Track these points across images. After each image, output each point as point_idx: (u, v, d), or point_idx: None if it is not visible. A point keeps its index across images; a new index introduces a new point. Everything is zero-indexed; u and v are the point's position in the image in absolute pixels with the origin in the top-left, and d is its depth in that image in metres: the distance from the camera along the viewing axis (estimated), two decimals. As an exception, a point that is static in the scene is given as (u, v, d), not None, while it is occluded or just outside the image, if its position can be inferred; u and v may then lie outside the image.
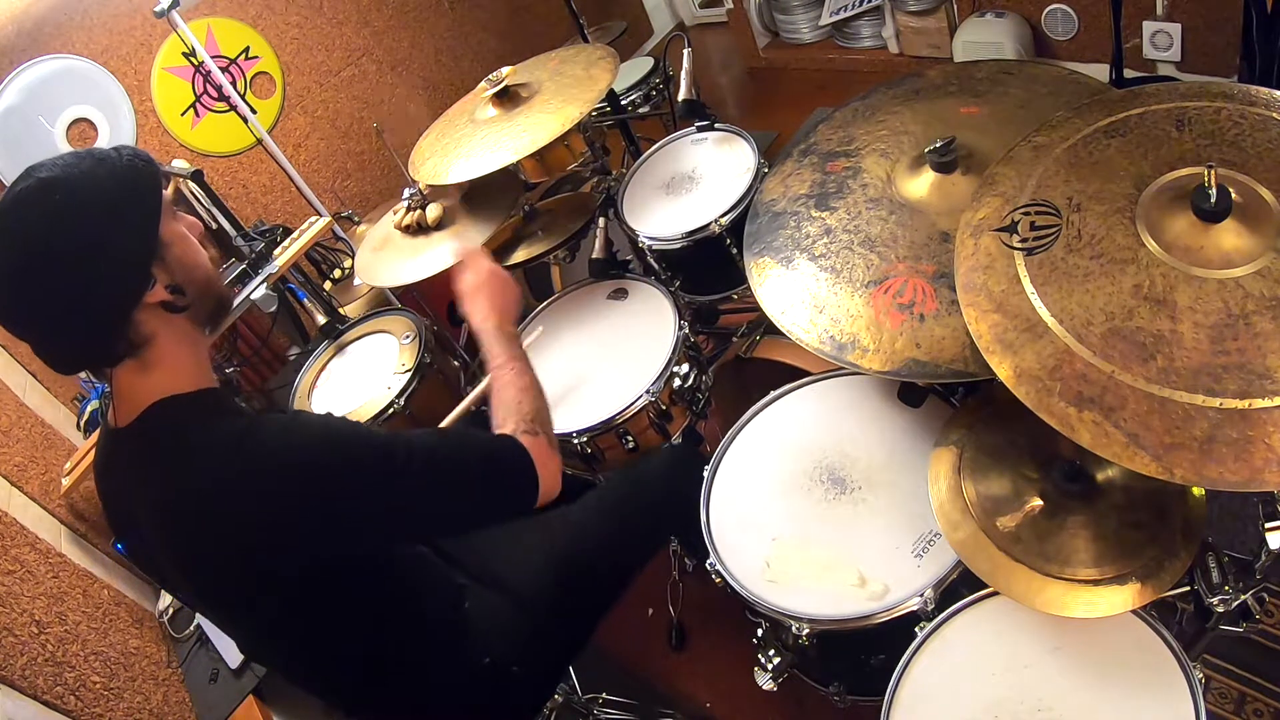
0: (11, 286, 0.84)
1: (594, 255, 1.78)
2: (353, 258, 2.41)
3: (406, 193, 1.82)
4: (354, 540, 0.92)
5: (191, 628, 1.72)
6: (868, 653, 1.19)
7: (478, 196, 1.81)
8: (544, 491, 1.05)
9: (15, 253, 0.83)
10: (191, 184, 1.96)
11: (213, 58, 2.63)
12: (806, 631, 1.11)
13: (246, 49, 2.86)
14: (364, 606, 0.99)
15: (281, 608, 0.95)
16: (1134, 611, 0.95)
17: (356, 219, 2.76)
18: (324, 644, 1.03)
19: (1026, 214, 0.97)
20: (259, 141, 2.63)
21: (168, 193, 0.93)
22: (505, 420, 1.10)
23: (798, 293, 1.22)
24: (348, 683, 1.09)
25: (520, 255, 1.92)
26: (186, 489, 0.89)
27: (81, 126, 2.52)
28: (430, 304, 2.37)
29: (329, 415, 0.97)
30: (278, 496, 0.87)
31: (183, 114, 2.74)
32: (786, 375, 1.45)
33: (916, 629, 1.06)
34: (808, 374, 1.43)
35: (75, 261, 0.83)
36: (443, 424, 1.47)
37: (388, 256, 1.82)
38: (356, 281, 2.44)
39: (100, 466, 1.03)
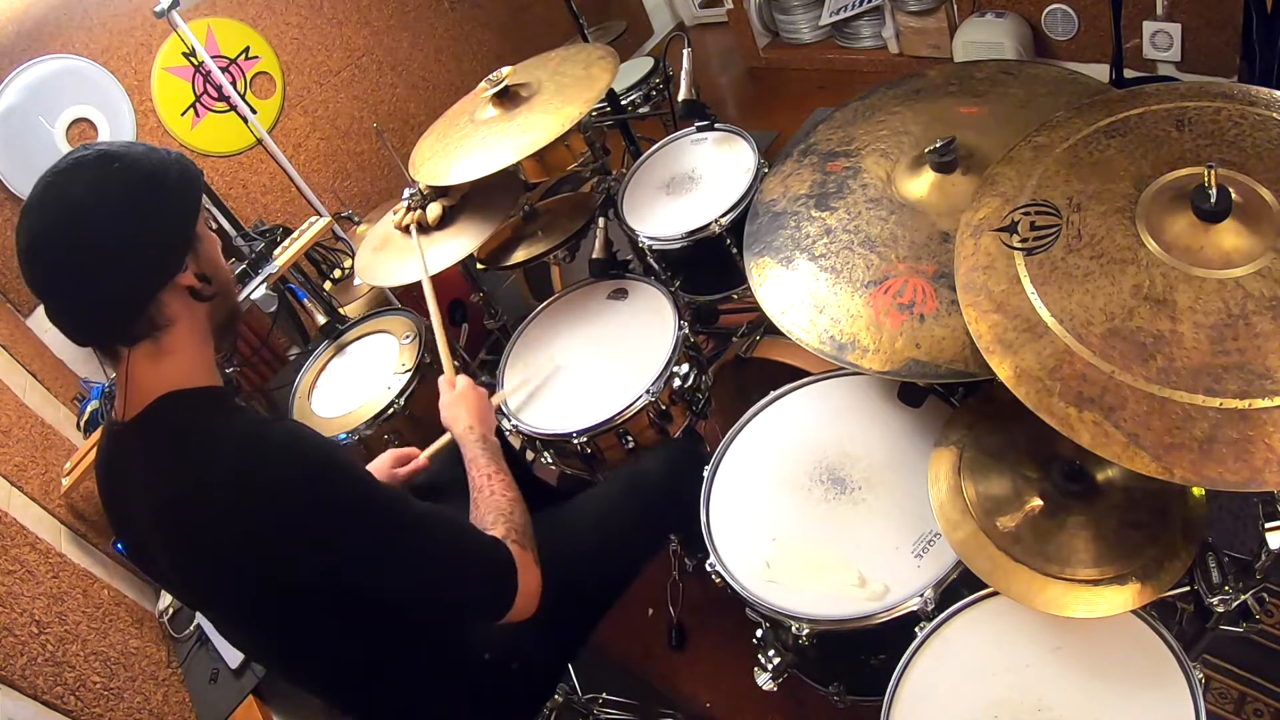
0: (57, 242, 0.87)
1: (594, 255, 1.78)
2: (353, 258, 2.41)
3: (406, 193, 1.82)
4: (333, 571, 0.91)
5: (191, 628, 1.72)
6: (868, 653, 1.19)
7: (478, 196, 1.81)
8: (518, 608, 1.03)
9: (70, 207, 0.86)
10: (191, 184, 1.96)
11: (213, 58, 2.64)
12: (806, 631, 1.11)
13: (246, 49, 2.86)
14: (363, 607, 0.99)
15: (277, 611, 0.95)
16: (1134, 611, 0.95)
17: (356, 219, 2.77)
18: (322, 645, 1.02)
19: (1026, 214, 0.97)
20: (259, 141, 2.64)
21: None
22: (496, 524, 1.09)
23: (798, 293, 1.22)
24: (346, 682, 1.09)
25: (520, 255, 1.92)
26: (187, 488, 0.89)
27: (81, 126, 2.52)
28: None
29: (336, 444, 0.98)
30: (278, 506, 0.87)
31: (183, 114, 2.75)
32: (786, 375, 1.45)
33: (916, 629, 1.06)
34: (808, 374, 1.43)
35: (121, 228, 0.87)
36: (439, 442, 1.47)
37: (388, 256, 1.82)
38: (356, 281, 2.44)
39: (101, 463, 1.03)
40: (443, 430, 1.40)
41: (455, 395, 1.36)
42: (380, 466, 1.41)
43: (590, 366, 1.63)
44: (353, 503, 0.92)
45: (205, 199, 1.96)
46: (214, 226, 2.02)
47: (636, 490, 1.43)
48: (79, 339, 0.93)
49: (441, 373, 1.44)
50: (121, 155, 0.90)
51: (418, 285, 1.66)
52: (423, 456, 1.43)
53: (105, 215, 0.87)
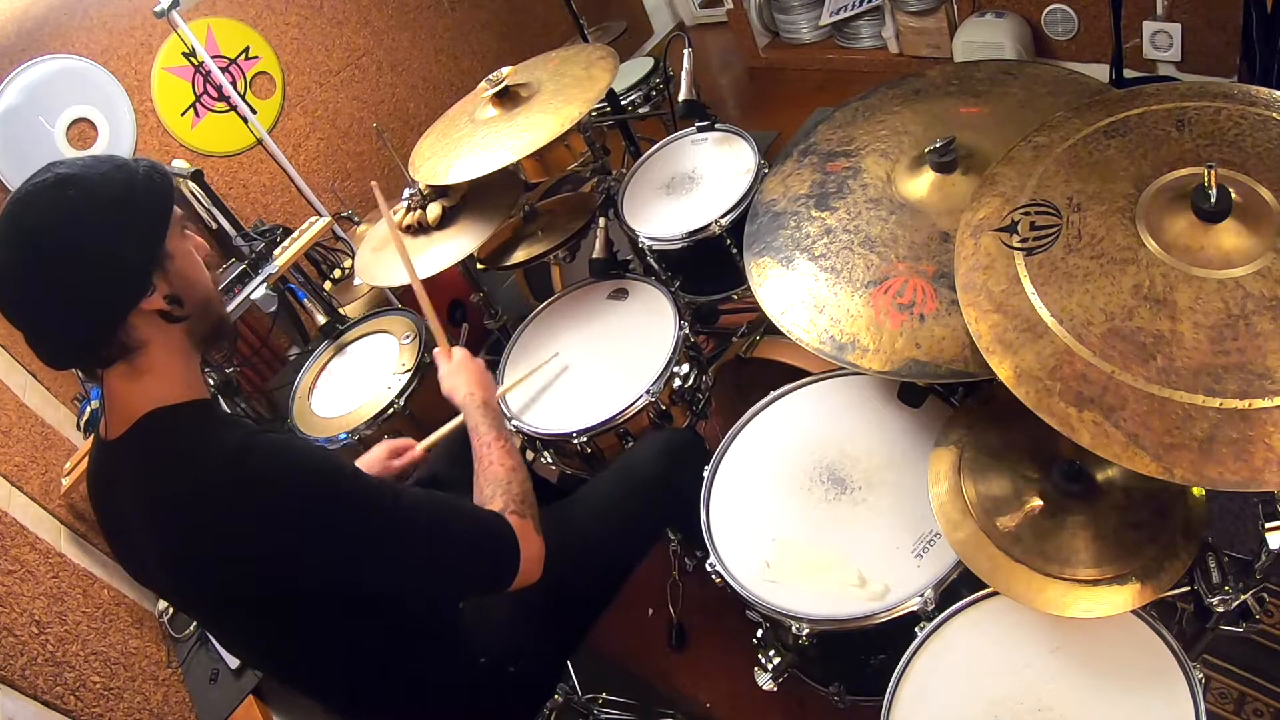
0: (15, 274, 0.86)
1: (594, 255, 1.78)
2: (353, 258, 2.41)
3: (406, 193, 1.82)
4: (330, 572, 0.92)
5: (191, 628, 1.72)
6: (868, 653, 1.19)
7: (478, 196, 1.81)
8: (522, 574, 1.04)
9: (23, 242, 0.85)
10: (191, 184, 1.96)
11: (213, 58, 2.64)
12: (806, 631, 1.11)
13: (246, 49, 2.86)
14: (357, 611, 0.99)
15: (275, 616, 0.95)
16: (1134, 611, 0.95)
17: (356, 219, 2.77)
18: (318, 650, 1.02)
19: (1026, 214, 0.97)
20: (259, 141, 2.64)
21: (179, 211, 0.95)
22: (494, 497, 1.09)
23: (798, 293, 1.22)
24: (343, 686, 1.09)
25: (520, 255, 1.92)
26: (179, 499, 0.89)
27: (81, 126, 2.52)
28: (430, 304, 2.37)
29: (324, 448, 0.98)
30: (267, 517, 0.87)
31: (183, 114, 2.74)
32: (786, 375, 1.45)
33: (916, 629, 1.06)
34: (808, 374, 1.43)
35: (78, 256, 0.85)
36: (437, 434, 1.47)
37: (388, 256, 1.82)
38: (356, 281, 2.44)
39: (93, 478, 1.03)
40: (441, 423, 1.39)
41: (454, 365, 1.35)
42: (375, 458, 1.40)
43: (590, 366, 1.63)
44: (344, 499, 0.92)
45: (205, 199, 1.96)
46: (214, 227, 2.02)
47: (631, 482, 1.41)
48: (52, 365, 0.93)
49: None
50: (78, 180, 0.86)
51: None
52: (419, 448, 1.43)
53: (56, 249, 0.84)
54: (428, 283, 1.70)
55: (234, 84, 2.78)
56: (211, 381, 1.90)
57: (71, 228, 0.85)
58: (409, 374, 1.83)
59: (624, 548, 1.38)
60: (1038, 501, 1.05)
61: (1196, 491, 0.99)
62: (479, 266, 2.01)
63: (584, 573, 1.30)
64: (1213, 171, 0.84)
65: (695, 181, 1.77)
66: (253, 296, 1.94)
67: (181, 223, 0.95)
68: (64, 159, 0.90)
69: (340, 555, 0.91)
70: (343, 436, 1.78)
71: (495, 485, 1.11)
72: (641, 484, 1.41)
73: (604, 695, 1.76)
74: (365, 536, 0.92)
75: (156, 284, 0.90)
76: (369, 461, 1.40)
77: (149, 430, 0.92)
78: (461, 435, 1.61)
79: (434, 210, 1.78)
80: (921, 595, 1.06)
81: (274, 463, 0.89)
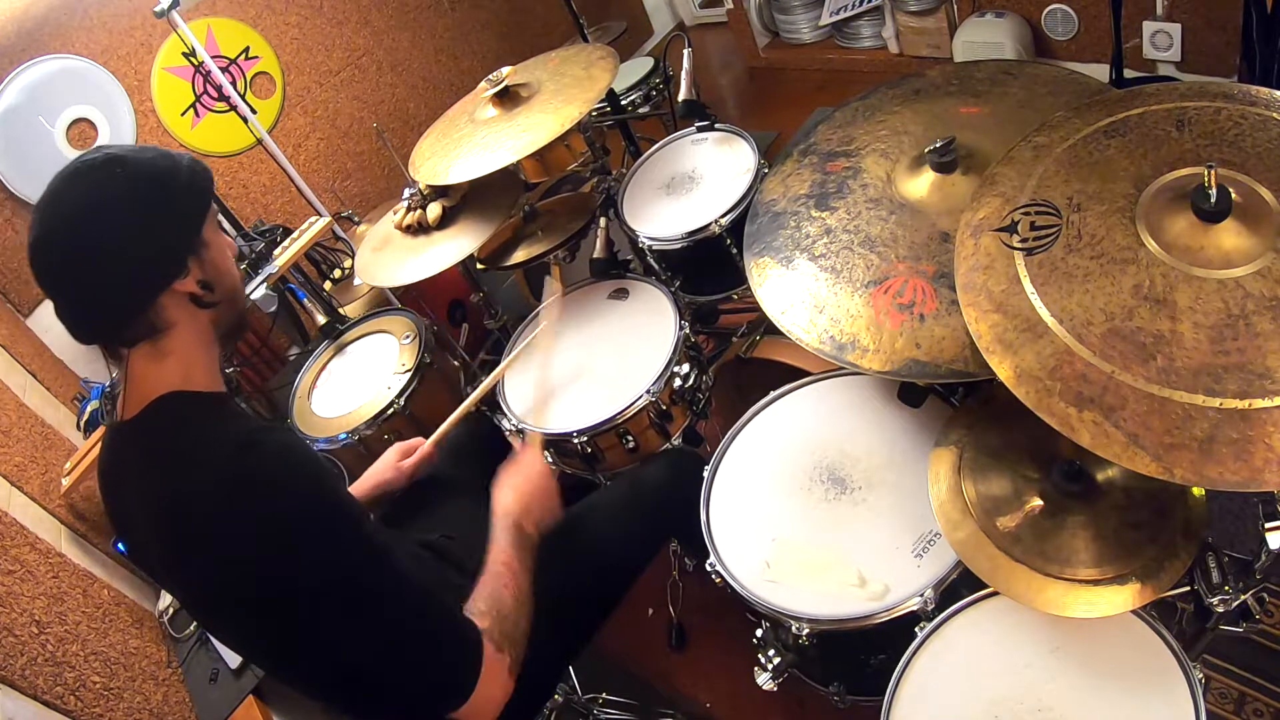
0: (58, 241, 0.88)
1: (594, 255, 1.78)
2: (353, 258, 2.41)
3: (406, 193, 1.82)
4: (330, 572, 0.90)
5: (192, 628, 1.72)
6: (868, 653, 1.19)
7: (478, 196, 1.81)
8: (471, 708, 0.95)
9: (69, 211, 0.88)
10: (191, 184, 1.96)
11: (213, 58, 2.64)
12: (806, 631, 1.11)
13: (246, 49, 2.86)
14: (358, 610, 0.99)
15: (274, 617, 0.94)
16: (1134, 611, 0.95)
17: (356, 219, 2.77)
18: (317, 649, 1.02)
19: (1026, 214, 0.97)
20: (259, 141, 2.64)
21: (215, 206, 0.99)
22: (486, 617, 1.02)
23: (798, 293, 1.22)
24: (342, 684, 1.09)
25: (520, 255, 1.92)
26: (183, 490, 0.89)
27: (81, 127, 2.52)
28: (430, 304, 2.37)
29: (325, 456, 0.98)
30: (267, 517, 0.87)
31: (183, 114, 2.75)
32: (786, 375, 1.45)
33: (916, 629, 1.06)
34: (808, 374, 1.43)
35: (120, 231, 0.88)
36: (443, 426, 1.47)
37: (388, 256, 1.82)
38: (356, 281, 2.44)
39: (103, 463, 1.04)
40: (444, 419, 1.40)
41: (524, 469, 1.24)
42: (387, 462, 1.40)
43: (591, 366, 1.63)
44: (341, 508, 0.92)
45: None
46: (215, 227, 2.03)
47: (638, 495, 1.43)
48: (79, 338, 0.94)
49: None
50: (126, 160, 0.90)
51: (417, 285, 1.66)
52: (428, 444, 1.43)
53: (101, 221, 0.87)
54: (429, 283, 1.70)
55: (234, 84, 2.78)
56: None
57: (117, 203, 0.88)
58: (409, 374, 1.83)
59: (630, 557, 1.38)
60: (1038, 501, 1.05)
61: (1196, 491, 0.99)
62: (479, 266, 2.01)
63: (591, 580, 1.30)
64: (1213, 171, 0.84)
65: (695, 181, 1.77)
66: (253, 296, 1.94)
67: (215, 218, 0.98)
68: (114, 144, 0.92)
69: (339, 555, 0.91)
70: (343, 436, 1.78)
71: (492, 601, 1.04)
72: (648, 497, 1.41)
73: (604, 695, 1.76)
74: (359, 541, 0.92)
75: (191, 268, 0.92)
76: (382, 467, 1.40)
77: (160, 413, 0.93)
78: (468, 435, 1.62)
79: (434, 210, 1.78)
80: (921, 595, 1.06)
81: (276, 462, 0.90)
